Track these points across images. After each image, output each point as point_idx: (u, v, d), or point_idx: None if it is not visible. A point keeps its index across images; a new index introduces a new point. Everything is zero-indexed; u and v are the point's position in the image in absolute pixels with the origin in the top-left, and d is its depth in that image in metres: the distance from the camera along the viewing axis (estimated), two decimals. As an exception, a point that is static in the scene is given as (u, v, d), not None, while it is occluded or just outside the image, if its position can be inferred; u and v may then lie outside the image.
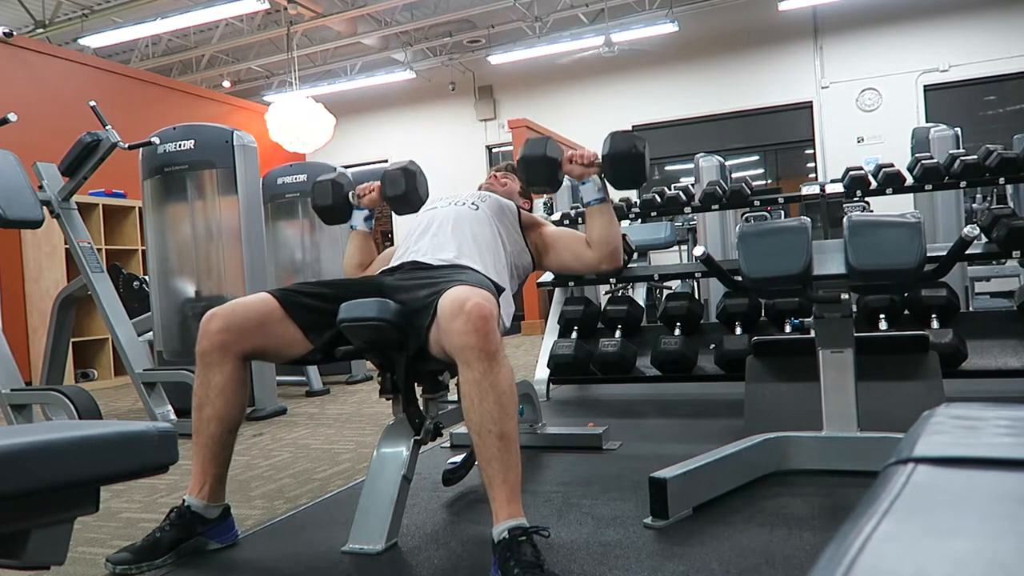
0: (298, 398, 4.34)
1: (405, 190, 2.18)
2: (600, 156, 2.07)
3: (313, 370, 4.46)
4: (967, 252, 2.56)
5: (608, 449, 2.57)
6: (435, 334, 1.63)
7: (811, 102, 9.04)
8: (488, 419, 1.51)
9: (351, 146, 10.25)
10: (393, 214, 2.29)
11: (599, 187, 2.09)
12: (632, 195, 4.21)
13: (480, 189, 2.42)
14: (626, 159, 2.04)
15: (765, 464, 2.09)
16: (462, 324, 1.51)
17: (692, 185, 4.23)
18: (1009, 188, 4.79)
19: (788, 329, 3.53)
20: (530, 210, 2.42)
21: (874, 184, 3.37)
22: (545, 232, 2.25)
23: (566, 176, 2.14)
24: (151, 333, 4.02)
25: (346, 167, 5.43)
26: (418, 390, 1.93)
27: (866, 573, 0.35)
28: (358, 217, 2.33)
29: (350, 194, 2.31)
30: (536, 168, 2.11)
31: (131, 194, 5.96)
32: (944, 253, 2.08)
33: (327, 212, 2.34)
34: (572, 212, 4.08)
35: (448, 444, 2.74)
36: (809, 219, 2.13)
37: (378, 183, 2.26)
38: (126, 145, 3.47)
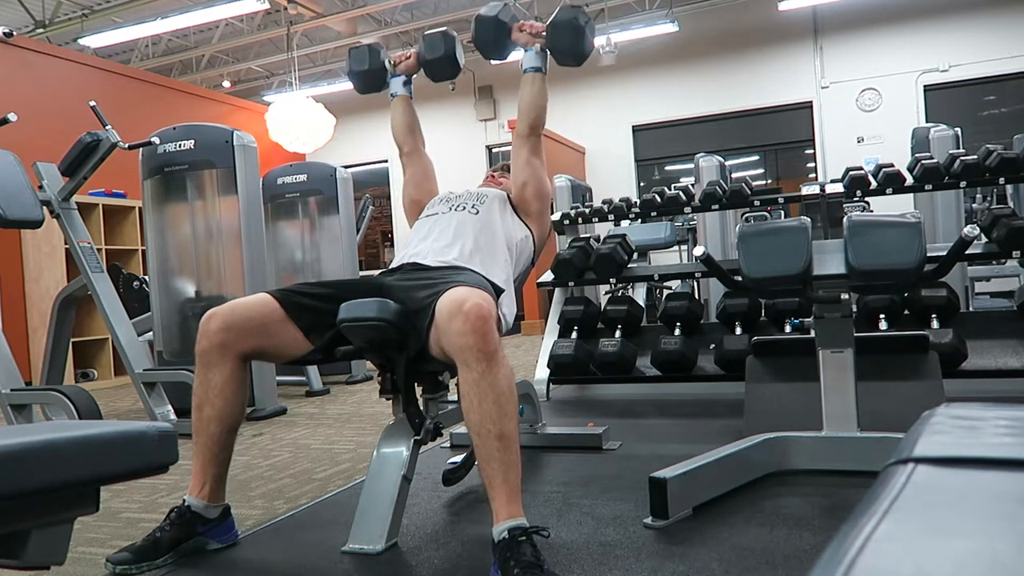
0: (298, 398, 4.33)
1: (444, 52, 2.30)
2: (546, 28, 2.21)
3: (313, 370, 4.46)
4: (967, 252, 2.56)
5: (608, 449, 2.57)
6: (434, 335, 1.64)
7: (811, 102, 9.04)
8: (488, 419, 1.51)
9: (351, 146, 10.25)
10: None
11: (539, 56, 2.24)
12: (632, 195, 4.21)
13: (478, 188, 2.43)
14: (568, 29, 2.17)
15: (765, 464, 2.09)
16: (460, 325, 1.51)
17: (692, 185, 4.23)
18: (1009, 188, 4.79)
19: (788, 329, 3.53)
20: None
21: (874, 184, 3.37)
22: (516, 188, 2.27)
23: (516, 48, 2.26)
24: (151, 333, 4.02)
25: (346, 167, 5.42)
26: (418, 390, 1.93)
27: (866, 573, 0.35)
28: (396, 83, 2.43)
29: (386, 60, 2.39)
30: (488, 27, 2.25)
31: (131, 194, 5.96)
32: (944, 253, 2.08)
33: (363, 77, 2.41)
34: (572, 212, 4.08)
35: (448, 444, 2.74)
36: (809, 219, 2.13)
37: (414, 51, 2.37)
38: (126, 145, 3.47)
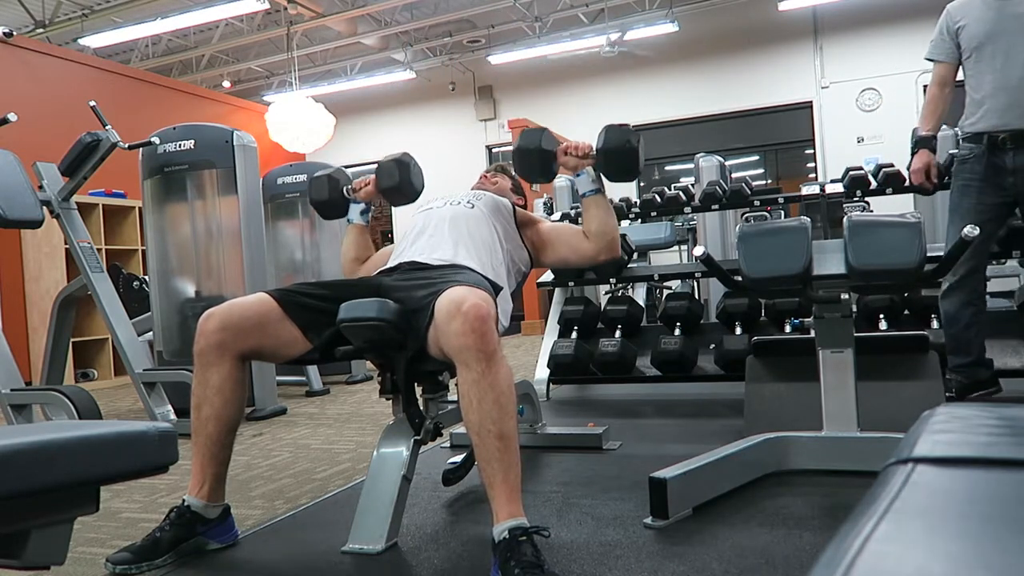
0: (298, 398, 4.33)
1: (399, 181, 2.21)
2: (595, 148, 2.09)
3: (313, 370, 4.46)
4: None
5: (608, 449, 2.57)
6: (433, 335, 1.63)
7: (811, 102, 9.03)
8: (487, 419, 1.51)
9: (351, 146, 10.25)
10: (392, 214, 2.32)
11: (594, 179, 2.12)
12: (632, 195, 4.21)
13: (472, 189, 2.43)
14: (621, 153, 2.07)
15: (765, 464, 2.09)
16: (459, 325, 1.51)
17: (692, 185, 4.23)
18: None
19: (788, 329, 3.53)
20: (524, 207, 2.43)
21: (874, 184, 3.37)
22: (542, 228, 2.26)
23: (561, 170, 2.15)
24: (151, 333, 4.02)
25: (346, 167, 5.40)
26: (418, 390, 1.93)
27: (866, 573, 0.35)
28: (355, 211, 2.36)
29: (345, 188, 2.34)
30: (531, 159, 2.13)
31: (131, 194, 5.96)
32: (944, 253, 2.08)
33: (324, 207, 2.37)
34: (572, 212, 4.08)
35: (448, 444, 2.74)
36: (809, 219, 2.13)
37: (373, 176, 2.28)
38: (126, 145, 3.47)
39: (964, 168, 2.76)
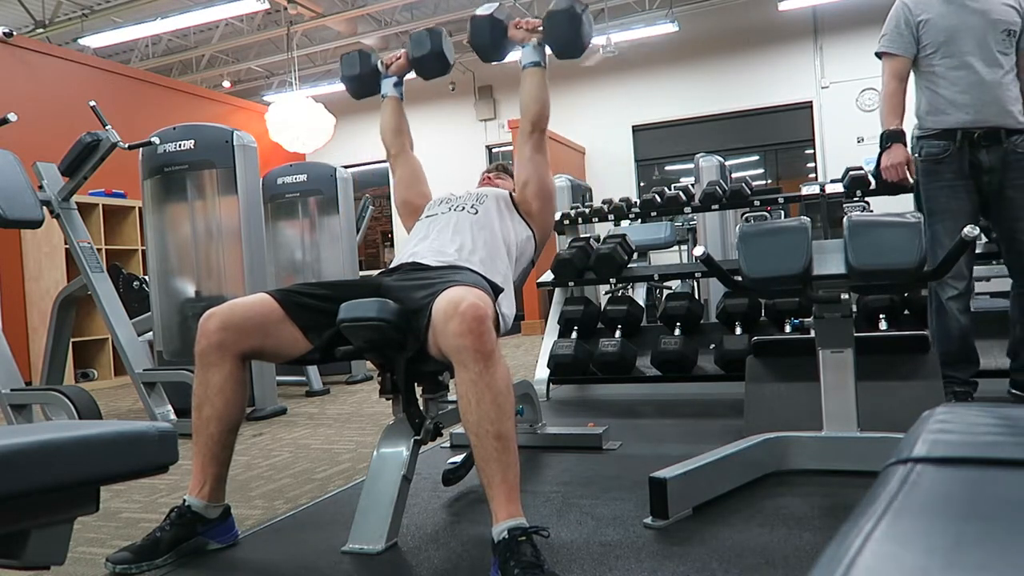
0: (298, 398, 4.33)
1: (431, 50, 2.29)
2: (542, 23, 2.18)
3: (313, 370, 4.46)
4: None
5: (608, 449, 2.57)
6: (431, 335, 1.63)
7: (811, 102, 9.03)
8: (485, 419, 1.51)
9: (351, 146, 10.25)
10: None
11: (537, 51, 2.20)
12: (632, 195, 4.21)
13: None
14: (564, 19, 2.14)
15: (765, 464, 2.09)
16: (456, 325, 1.51)
17: (692, 185, 4.23)
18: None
19: (788, 329, 3.53)
20: None
21: (874, 184, 3.37)
22: (517, 191, 2.27)
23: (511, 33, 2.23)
24: (151, 333, 4.02)
25: (346, 167, 5.42)
26: (418, 390, 1.93)
27: (866, 573, 0.35)
28: (387, 84, 2.43)
29: (378, 62, 2.39)
30: (483, 27, 2.22)
31: (131, 194, 5.96)
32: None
33: (356, 81, 2.42)
34: (572, 212, 4.08)
35: (448, 444, 2.74)
36: (809, 219, 2.13)
37: (403, 51, 2.35)
38: (126, 145, 3.47)
39: (944, 167, 2.69)
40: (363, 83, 2.40)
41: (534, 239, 2.23)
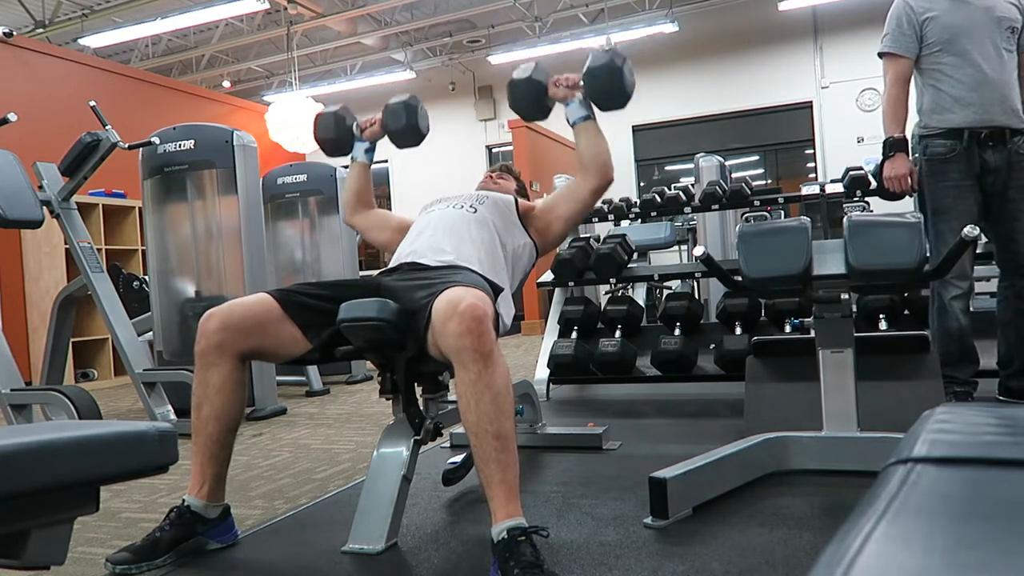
0: (298, 398, 4.33)
1: (406, 123, 2.25)
2: (582, 77, 2.12)
3: (313, 370, 4.46)
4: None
5: (608, 449, 2.57)
6: (431, 336, 1.63)
7: (811, 102, 9.04)
8: (485, 419, 1.51)
9: (351, 146, 10.25)
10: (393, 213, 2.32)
11: (583, 105, 2.14)
12: (632, 195, 4.21)
13: (477, 190, 2.43)
14: (605, 74, 2.09)
15: (765, 464, 2.09)
16: (456, 325, 1.51)
17: (692, 185, 4.24)
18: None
19: (788, 329, 3.53)
20: None
21: (874, 184, 3.37)
22: (538, 209, 2.26)
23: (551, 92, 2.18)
24: (151, 333, 4.02)
25: (346, 167, 5.42)
26: (418, 390, 1.93)
27: (866, 573, 0.35)
28: (359, 149, 2.39)
29: (353, 126, 2.36)
30: (522, 92, 2.16)
31: (131, 194, 5.96)
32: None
33: (330, 144, 2.39)
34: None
35: (448, 444, 2.74)
36: (809, 219, 2.13)
37: (380, 116, 2.32)
38: (126, 145, 3.47)
39: (950, 167, 2.66)
40: (338, 145, 2.37)
41: (535, 251, 2.23)
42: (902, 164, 2.69)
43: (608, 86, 2.10)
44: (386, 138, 2.35)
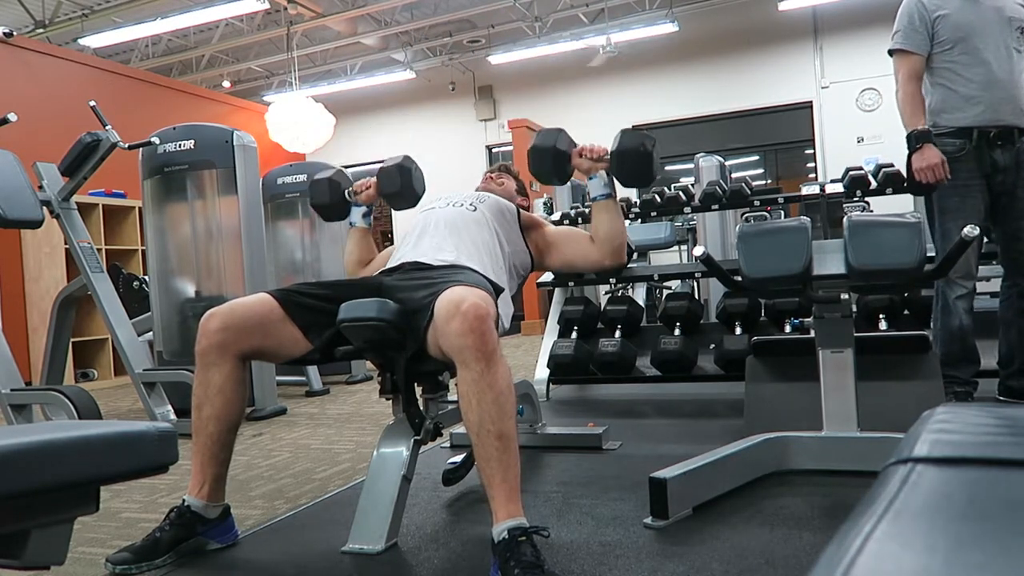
0: (298, 398, 4.33)
1: (401, 186, 2.21)
2: (609, 152, 2.08)
3: (313, 370, 4.46)
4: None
5: (608, 449, 2.57)
6: (433, 335, 1.64)
7: (811, 102, 9.03)
8: (486, 419, 1.51)
9: (351, 146, 10.25)
10: (393, 214, 2.31)
11: (606, 183, 2.11)
12: (632, 195, 4.21)
13: (477, 190, 2.43)
14: (635, 157, 2.06)
15: (765, 464, 2.09)
16: (458, 325, 1.51)
17: (692, 185, 4.23)
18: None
19: (788, 329, 3.53)
20: (528, 209, 2.43)
21: (874, 184, 3.36)
22: (547, 231, 2.26)
23: (576, 173, 2.16)
24: (151, 333, 4.02)
25: (346, 167, 5.40)
26: (418, 390, 1.93)
27: (866, 573, 0.35)
28: (356, 214, 2.36)
29: (347, 191, 2.33)
30: (545, 159, 2.12)
31: (131, 194, 5.96)
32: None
33: (325, 210, 2.37)
34: (572, 212, 4.08)
35: (448, 444, 2.74)
36: (809, 219, 2.13)
37: (374, 179, 2.29)
38: (126, 145, 3.47)
39: (959, 166, 2.63)
40: (333, 210, 2.35)
41: (530, 261, 2.24)
42: (933, 154, 2.61)
43: (636, 170, 2.08)
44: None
